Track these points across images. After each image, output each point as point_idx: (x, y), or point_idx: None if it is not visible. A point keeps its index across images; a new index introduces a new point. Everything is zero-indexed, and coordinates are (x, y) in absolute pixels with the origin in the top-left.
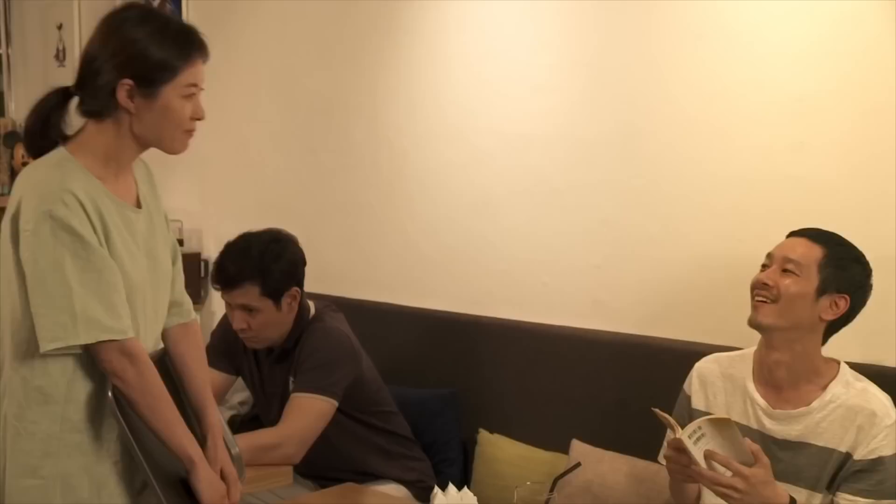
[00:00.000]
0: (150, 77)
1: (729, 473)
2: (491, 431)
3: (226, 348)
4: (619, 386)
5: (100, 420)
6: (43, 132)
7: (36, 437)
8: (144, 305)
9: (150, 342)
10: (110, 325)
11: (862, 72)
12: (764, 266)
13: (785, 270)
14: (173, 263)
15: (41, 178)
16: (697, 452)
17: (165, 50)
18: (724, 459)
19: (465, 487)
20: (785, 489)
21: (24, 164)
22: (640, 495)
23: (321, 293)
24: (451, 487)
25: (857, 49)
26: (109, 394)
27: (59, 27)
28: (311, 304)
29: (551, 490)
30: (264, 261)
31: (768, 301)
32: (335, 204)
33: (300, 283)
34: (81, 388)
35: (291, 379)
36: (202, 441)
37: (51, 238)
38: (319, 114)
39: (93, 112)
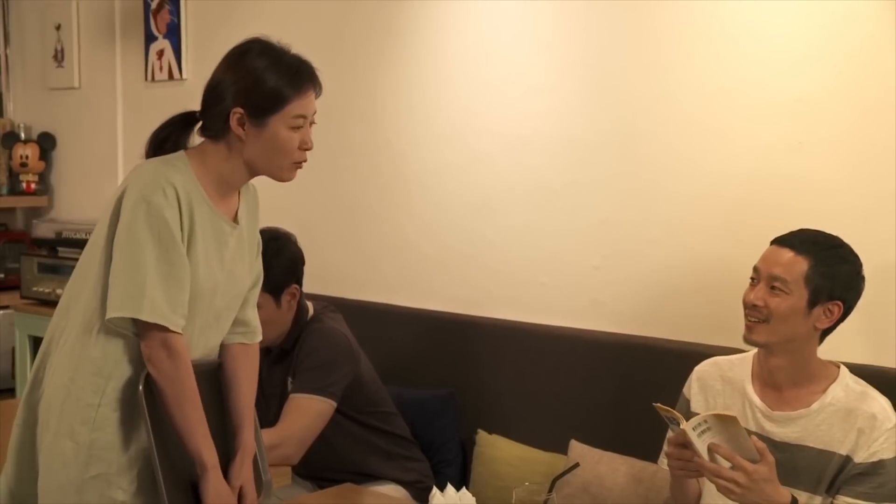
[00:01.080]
0: (261, 106)
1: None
2: (489, 432)
3: None
4: (617, 386)
5: (136, 405)
6: (159, 145)
7: (80, 403)
8: (206, 312)
9: (200, 348)
10: (167, 314)
11: (860, 71)
12: (752, 279)
13: (772, 287)
14: (252, 286)
15: (150, 169)
16: (701, 445)
17: (278, 80)
18: (728, 453)
19: (464, 488)
20: (788, 490)
21: (23, 165)
22: (638, 496)
23: (321, 294)
24: (450, 488)
25: (855, 49)
26: (141, 381)
27: (58, 28)
28: (309, 304)
29: (550, 491)
30: (265, 257)
31: (760, 321)
32: (334, 205)
33: (299, 281)
34: (125, 370)
35: (290, 379)
36: (233, 456)
37: (143, 220)
38: (318, 115)
39: (210, 135)
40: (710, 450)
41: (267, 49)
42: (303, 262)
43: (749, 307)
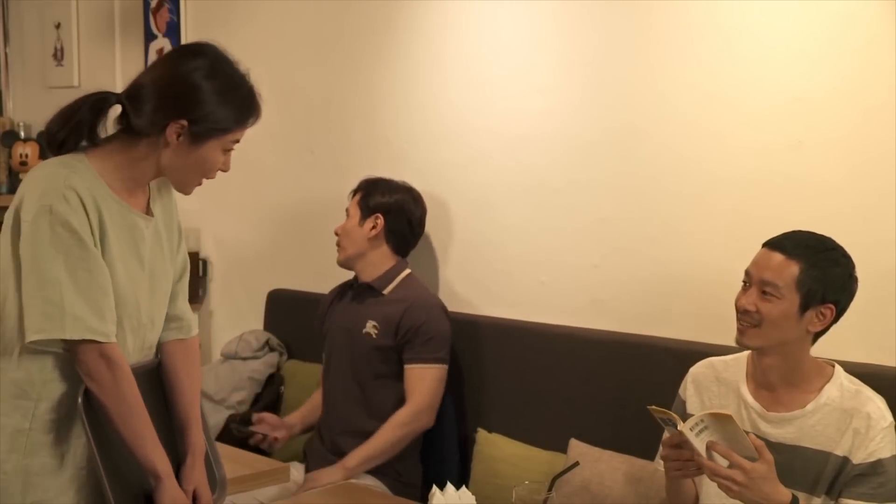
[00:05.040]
0: (208, 129)
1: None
2: (489, 431)
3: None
4: (617, 385)
5: (70, 424)
6: (63, 141)
7: (5, 431)
8: (137, 312)
9: (137, 350)
10: (95, 325)
11: (860, 71)
12: (744, 283)
13: (764, 292)
14: (180, 277)
15: (47, 173)
16: (699, 444)
17: (226, 111)
18: (726, 451)
19: (464, 487)
20: (788, 489)
21: (22, 164)
22: (638, 494)
23: (320, 293)
24: (450, 486)
25: (855, 48)
26: (80, 397)
27: (58, 26)
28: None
29: (549, 489)
30: (377, 184)
31: (751, 325)
32: (333, 203)
33: (391, 220)
34: (56, 388)
35: (372, 323)
36: (182, 458)
37: (48, 232)
38: (317, 113)
39: (134, 129)
40: (709, 448)
41: (220, 68)
42: (411, 221)
43: (741, 312)
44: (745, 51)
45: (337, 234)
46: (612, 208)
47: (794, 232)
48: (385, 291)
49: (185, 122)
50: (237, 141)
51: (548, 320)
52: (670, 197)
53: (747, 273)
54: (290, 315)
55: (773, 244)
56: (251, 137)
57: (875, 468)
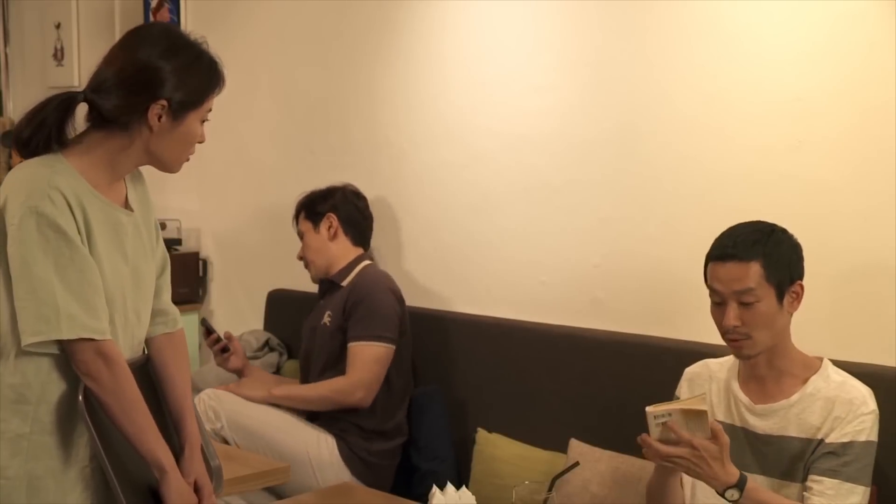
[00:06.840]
0: (188, 101)
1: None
2: (489, 430)
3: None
4: (617, 385)
5: (71, 424)
6: (36, 140)
7: (5, 437)
8: (124, 309)
9: (127, 347)
10: (90, 323)
11: (861, 71)
12: (715, 302)
13: (743, 303)
14: (162, 272)
15: (29, 174)
16: (655, 430)
17: (196, 82)
18: (676, 431)
19: (464, 487)
20: (738, 471)
21: None
22: (638, 494)
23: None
24: (450, 487)
25: (855, 48)
26: (80, 396)
27: (58, 26)
28: (372, 260)
29: (550, 489)
30: (311, 196)
31: (744, 338)
32: None
33: (342, 217)
34: (55, 389)
35: (327, 313)
36: (179, 450)
37: (36, 234)
38: (317, 113)
39: (110, 121)
40: (663, 433)
41: (180, 43)
42: (361, 206)
43: (729, 330)
44: (745, 51)
45: (300, 257)
46: (613, 208)
47: (728, 234)
48: (343, 283)
49: (164, 102)
50: (210, 110)
51: (548, 320)
52: (670, 196)
53: (715, 292)
54: (290, 315)
55: (721, 256)
56: (251, 137)
57: (845, 448)
